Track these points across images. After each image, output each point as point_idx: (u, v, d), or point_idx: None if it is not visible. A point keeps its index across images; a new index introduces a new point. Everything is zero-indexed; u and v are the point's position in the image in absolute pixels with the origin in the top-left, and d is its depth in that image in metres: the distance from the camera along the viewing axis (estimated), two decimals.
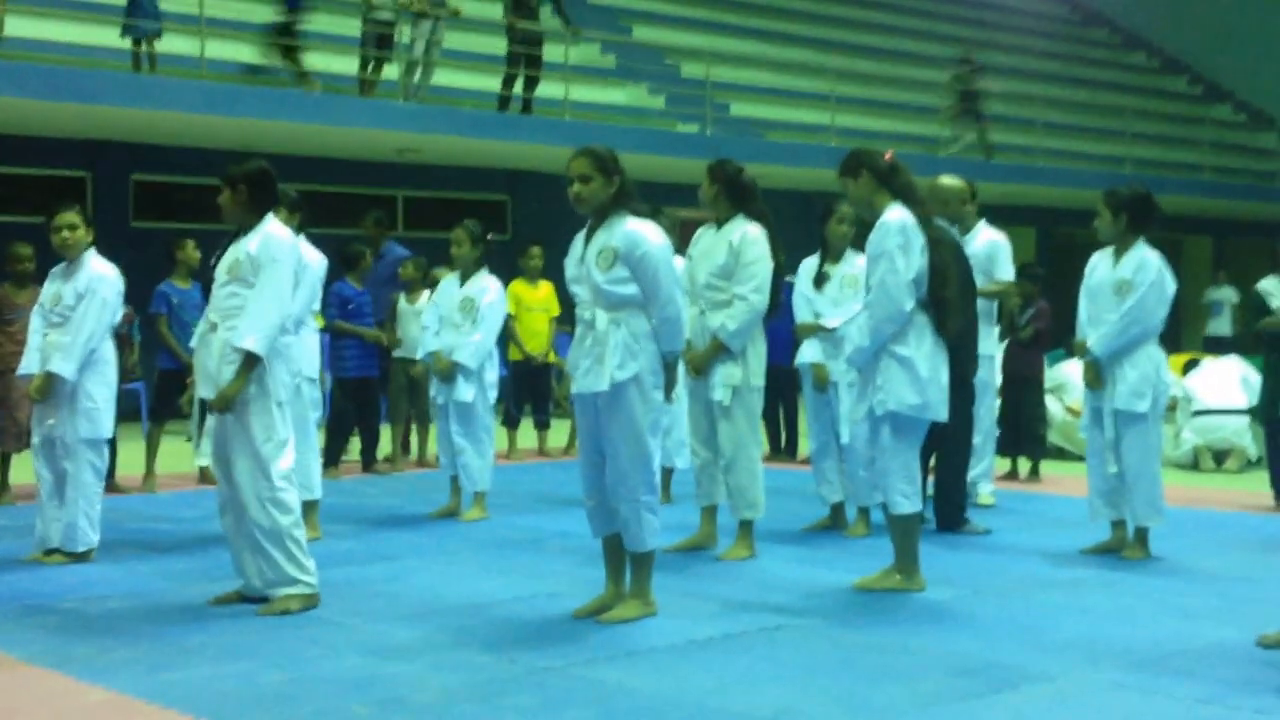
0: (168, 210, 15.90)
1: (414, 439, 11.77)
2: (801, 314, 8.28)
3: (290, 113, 14.39)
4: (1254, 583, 6.98)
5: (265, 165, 6.40)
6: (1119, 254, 7.52)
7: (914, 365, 6.43)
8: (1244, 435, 11.90)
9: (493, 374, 8.92)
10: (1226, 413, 11.92)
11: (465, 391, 8.70)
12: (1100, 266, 7.60)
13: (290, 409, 6.32)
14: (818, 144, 19.66)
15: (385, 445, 11.43)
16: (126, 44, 14.00)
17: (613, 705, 4.77)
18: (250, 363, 6.05)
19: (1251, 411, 12.05)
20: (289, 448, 6.22)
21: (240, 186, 6.26)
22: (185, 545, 7.86)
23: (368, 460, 11.19)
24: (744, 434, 7.42)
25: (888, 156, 6.56)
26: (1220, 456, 11.93)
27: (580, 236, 6.00)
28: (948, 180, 8.50)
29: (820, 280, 8.22)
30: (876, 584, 6.62)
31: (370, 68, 15.55)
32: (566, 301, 11.96)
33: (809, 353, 8.23)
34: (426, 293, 11.49)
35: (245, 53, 15.50)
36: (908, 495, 6.50)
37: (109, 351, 7.57)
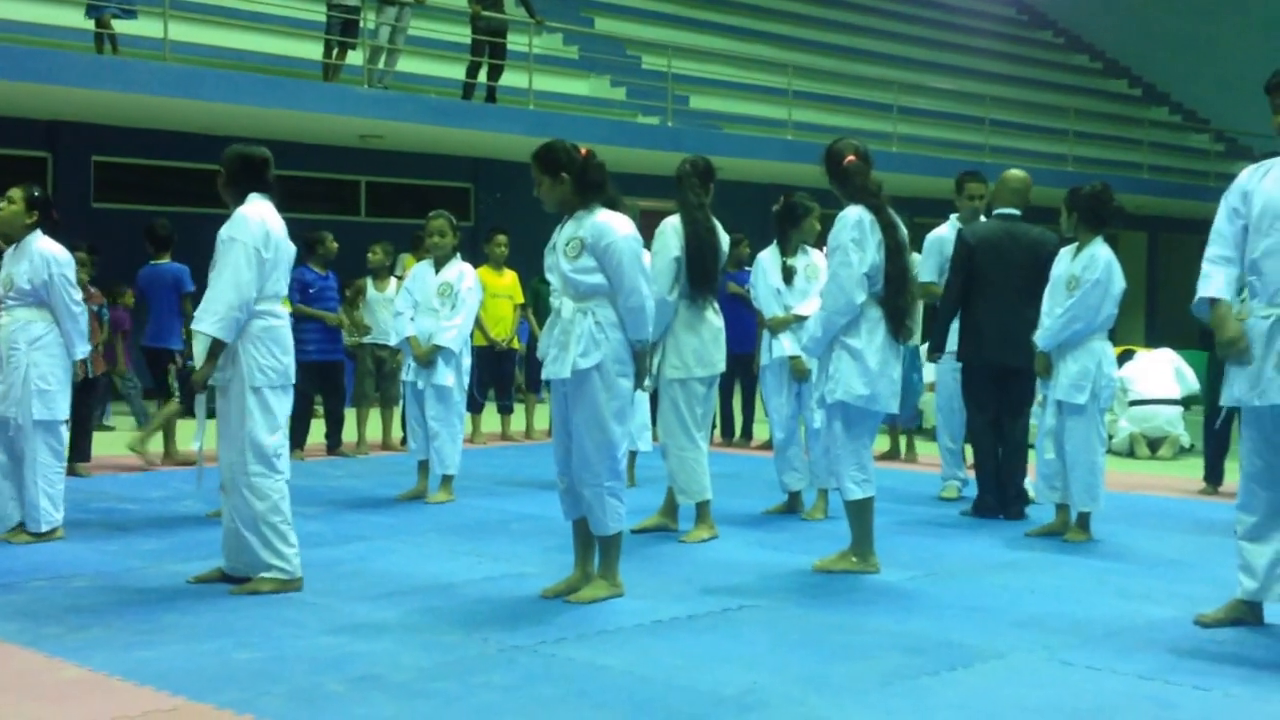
0: (129, 192, 15.89)
1: (378, 422, 11.90)
2: (771, 308, 8.43)
3: (253, 97, 14.36)
4: (1189, 564, 7.20)
5: (247, 150, 6.37)
6: (1078, 250, 7.75)
7: (864, 357, 6.60)
8: (1177, 424, 12.39)
9: (467, 359, 9.06)
10: (1161, 402, 12.32)
11: (445, 375, 8.82)
12: (1062, 261, 7.85)
13: (280, 395, 6.24)
14: (774, 138, 19.89)
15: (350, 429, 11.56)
16: (89, 24, 13.91)
17: (584, 683, 4.86)
18: (216, 346, 6.06)
19: (1184, 401, 12.42)
20: (273, 434, 6.19)
21: (221, 170, 6.33)
22: (153, 525, 7.92)
23: (333, 443, 11.29)
24: (671, 423, 7.65)
25: (848, 160, 6.68)
26: (1155, 444, 12.33)
27: (560, 227, 6.10)
28: (1014, 174, 8.77)
29: (788, 275, 8.40)
30: (834, 566, 6.78)
31: (334, 53, 15.56)
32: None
33: (786, 346, 8.36)
34: (394, 280, 11.64)
35: (209, 35, 15.48)
36: (859, 482, 6.68)
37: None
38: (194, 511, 8.28)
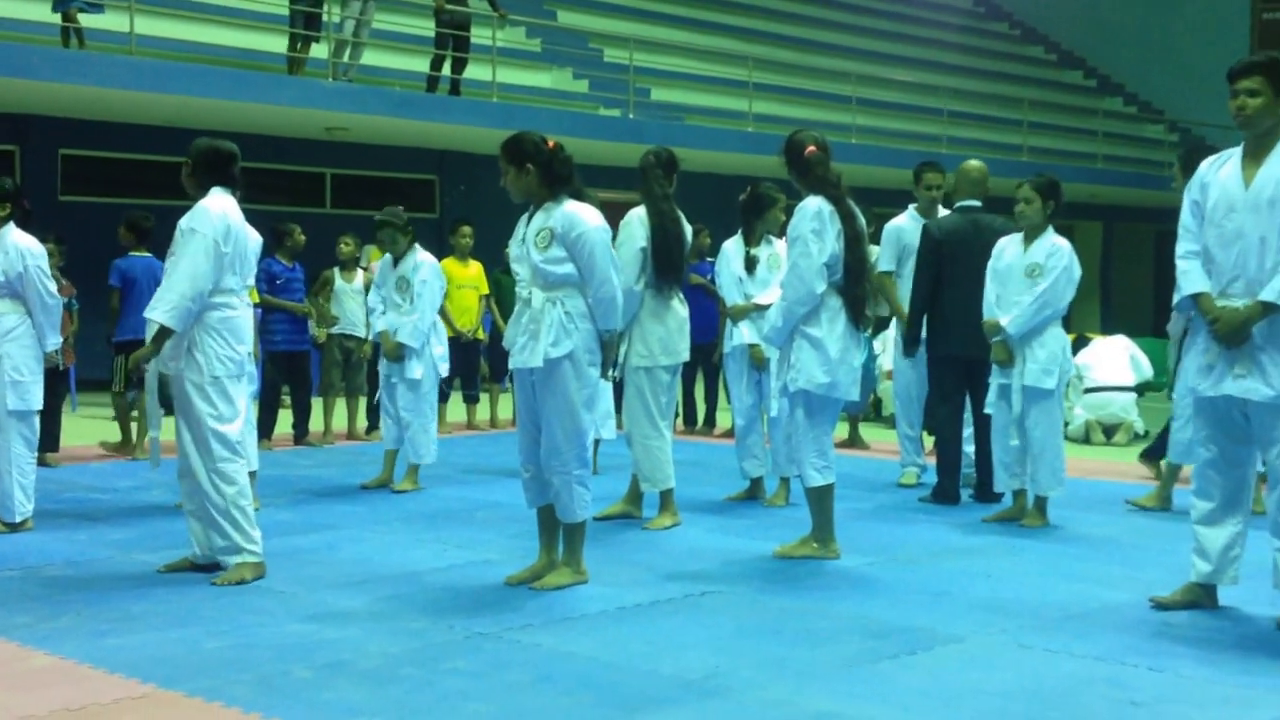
0: (96, 185, 15.90)
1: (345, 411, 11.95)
2: (732, 297, 8.52)
3: (218, 90, 14.40)
4: (1142, 549, 7.29)
5: (215, 143, 6.44)
6: (1029, 239, 7.78)
7: (824, 346, 6.67)
8: (1131, 410, 12.48)
9: (440, 348, 9.13)
10: (1115, 389, 12.41)
11: (415, 369, 8.89)
12: (1009, 250, 7.85)
13: (238, 384, 6.33)
14: (735, 129, 20.01)
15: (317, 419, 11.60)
16: (56, 19, 13.96)
17: (549, 669, 4.91)
18: (161, 333, 6.13)
19: (1139, 388, 12.55)
20: (234, 422, 6.27)
21: (187, 163, 6.38)
22: (122, 515, 7.96)
23: (300, 433, 11.34)
24: (635, 411, 7.73)
25: (808, 151, 6.76)
26: (1110, 430, 12.41)
27: (524, 218, 6.18)
28: (972, 164, 8.83)
29: (750, 264, 8.48)
30: (795, 552, 6.86)
31: (299, 46, 15.58)
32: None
33: (745, 334, 8.46)
34: (361, 272, 11.71)
35: (175, 30, 15.50)
36: (820, 469, 6.76)
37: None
38: (163, 501, 8.30)
